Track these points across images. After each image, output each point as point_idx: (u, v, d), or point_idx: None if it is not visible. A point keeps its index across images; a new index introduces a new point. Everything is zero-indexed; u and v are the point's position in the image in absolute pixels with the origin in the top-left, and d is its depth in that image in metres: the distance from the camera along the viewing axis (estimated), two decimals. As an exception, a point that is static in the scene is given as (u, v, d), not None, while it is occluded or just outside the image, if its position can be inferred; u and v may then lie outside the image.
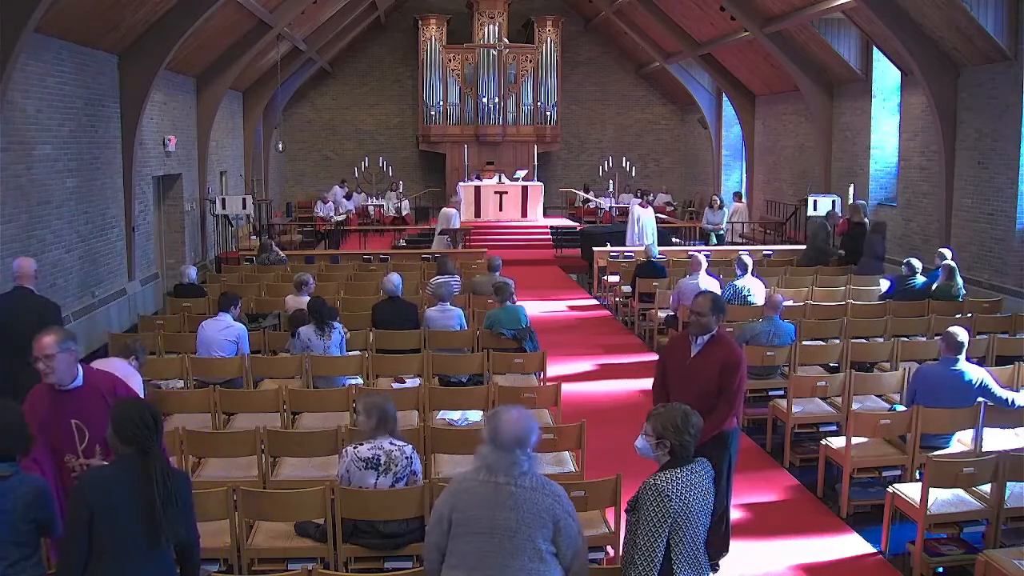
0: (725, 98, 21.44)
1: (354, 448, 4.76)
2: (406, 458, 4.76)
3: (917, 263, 10.39)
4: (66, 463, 4.18)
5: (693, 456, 3.64)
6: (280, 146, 21.99)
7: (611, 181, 23.08)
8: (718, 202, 17.56)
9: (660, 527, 3.41)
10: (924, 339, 8.66)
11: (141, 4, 11.01)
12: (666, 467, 3.58)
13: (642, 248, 13.84)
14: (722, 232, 17.39)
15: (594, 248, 15.28)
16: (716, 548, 5.03)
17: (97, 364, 5.72)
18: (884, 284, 11.10)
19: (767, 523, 6.00)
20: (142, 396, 4.51)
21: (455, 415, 6.51)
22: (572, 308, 13.73)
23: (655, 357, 10.34)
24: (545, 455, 5.76)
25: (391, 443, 4.76)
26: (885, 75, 15.05)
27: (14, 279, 6.59)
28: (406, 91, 25.54)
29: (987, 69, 11.60)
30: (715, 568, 5.15)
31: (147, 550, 3.36)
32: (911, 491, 5.39)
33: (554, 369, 8.96)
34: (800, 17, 14.48)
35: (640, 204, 17.40)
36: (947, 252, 10.35)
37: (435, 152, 24.72)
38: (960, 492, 5.38)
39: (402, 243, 19.56)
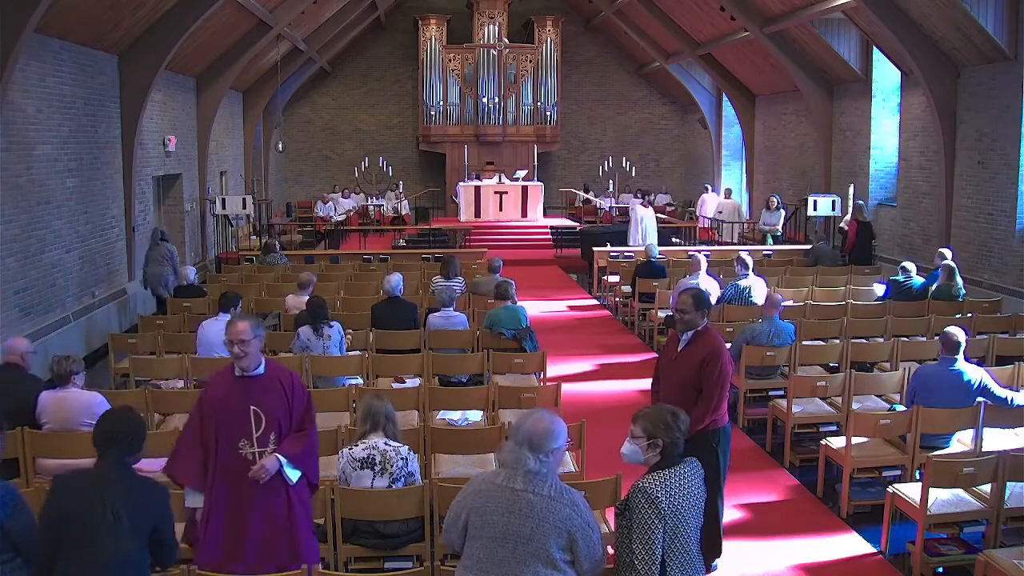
0: (725, 98, 21.44)
1: (349, 449, 4.77)
2: (402, 459, 4.76)
3: (911, 265, 10.43)
4: (239, 449, 4.23)
5: (682, 455, 3.61)
6: (280, 146, 21.98)
7: (611, 181, 23.08)
8: (775, 203, 16.48)
9: (654, 531, 3.38)
10: (924, 339, 8.66)
11: (141, 4, 11.01)
12: (655, 468, 3.54)
13: (642, 248, 13.85)
14: (779, 233, 16.43)
15: (594, 248, 15.29)
16: (709, 551, 5.02)
17: (52, 395, 5.70)
18: (879, 289, 11.10)
19: (767, 523, 5.99)
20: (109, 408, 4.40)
21: (455, 415, 6.51)
22: (572, 308, 13.73)
23: (655, 357, 10.35)
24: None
25: (386, 443, 4.77)
26: (885, 75, 15.04)
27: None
28: (406, 91, 25.53)
29: (987, 69, 11.60)
30: (711, 570, 5.14)
31: (106, 558, 3.39)
32: (911, 491, 5.39)
33: (554, 369, 8.96)
34: (800, 17, 14.48)
35: (642, 204, 17.42)
36: (947, 252, 10.36)
37: (435, 152, 24.72)
38: (960, 492, 5.38)
39: (402, 243, 19.56)
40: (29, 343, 6.18)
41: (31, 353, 6.03)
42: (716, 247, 16.86)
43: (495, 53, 23.60)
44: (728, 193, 20.65)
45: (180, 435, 4.44)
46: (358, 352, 7.97)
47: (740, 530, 5.79)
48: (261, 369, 4.29)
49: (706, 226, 20.07)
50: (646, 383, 9.04)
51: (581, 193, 23.72)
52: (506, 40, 23.28)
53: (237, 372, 4.27)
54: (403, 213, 22.18)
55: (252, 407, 4.22)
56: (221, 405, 4.23)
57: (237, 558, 4.18)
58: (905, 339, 8.55)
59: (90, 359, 10.03)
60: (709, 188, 21.09)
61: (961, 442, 6.19)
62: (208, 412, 4.25)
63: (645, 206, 17.33)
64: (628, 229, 17.12)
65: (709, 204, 20.32)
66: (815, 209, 15.34)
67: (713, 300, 8.30)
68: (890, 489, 5.57)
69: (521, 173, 22.31)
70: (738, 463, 6.32)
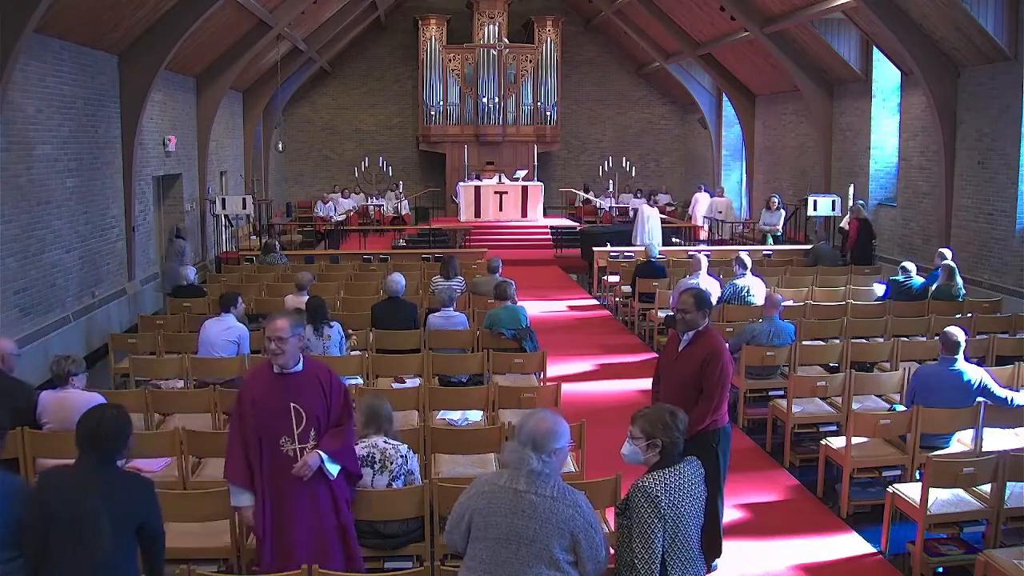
0: (725, 98, 21.45)
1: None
2: (401, 457, 4.77)
3: (911, 266, 10.44)
4: (280, 446, 4.23)
5: (681, 455, 3.61)
6: (280, 146, 21.99)
7: (611, 181, 23.09)
8: (775, 203, 16.33)
9: (654, 530, 3.38)
10: (924, 339, 8.66)
11: (141, 4, 11.01)
12: (655, 468, 3.55)
13: (642, 248, 13.86)
14: (779, 233, 16.31)
15: (594, 248, 15.29)
16: (709, 551, 5.02)
17: (53, 395, 5.67)
18: (879, 289, 11.10)
19: (767, 523, 5.99)
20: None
21: (455, 415, 6.51)
22: (572, 308, 13.73)
23: (655, 357, 10.36)
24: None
25: (385, 442, 4.79)
26: (885, 75, 15.05)
27: None
28: (406, 91, 25.53)
29: (987, 69, 11.60)
30: (711, 570, 5.14)
31: (94, 556, 3.38)
32: (911, 491, 5.39)
33: (554, 369, 8.96)
34: (800, 17, 14.48)
35: (648, 204, 17.48)
36: (947, 252, 10.36)
37: (435, 152, 24.72)
38: (960, 492, 5.38)
39: (402, 243, 19.56)
40: (13, 345, 6.02)
41: (14, 355, 5.91)
42: (716, 247, 16.86)
43: (495, 53, 23.60)
44: (721, 192, 20.68)
45: (228, 435, 4.48)
46: (358, 352, 7.96)
47: (740, 530, 5.79)
48: (299, 366, 4.31)
49: (700, 224, 20.08)
50: (646, 383, 9.05)
51: (581, 193, 23.72)
52: (506, 40, 23.28)
53: (275, 369, 4.27)
54: (403, 213, 22.18)
55: (292, 404, 4.23)
56: (261, 403, 4.23)
57: (289, 558, 4.17)
58: (905, 339, 8.55)
59: (90, 359, 10.02)
60: (702, 188, 21.09)
61: (961, 442, 6.19)
62: (247, 410, 4.25)
63: (651, 206, 17.38)
64: (633, 229, 17.14)
65: (702, 203, 20.32)
66: (815, 209, 15.35)
67: (714, 300, 8.30)
68: (890, 489, 5.57)
69: (521, 173, 22.31)
70: (738, 463, 6.32)
